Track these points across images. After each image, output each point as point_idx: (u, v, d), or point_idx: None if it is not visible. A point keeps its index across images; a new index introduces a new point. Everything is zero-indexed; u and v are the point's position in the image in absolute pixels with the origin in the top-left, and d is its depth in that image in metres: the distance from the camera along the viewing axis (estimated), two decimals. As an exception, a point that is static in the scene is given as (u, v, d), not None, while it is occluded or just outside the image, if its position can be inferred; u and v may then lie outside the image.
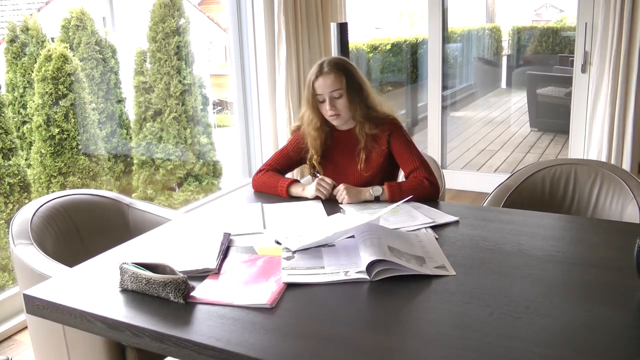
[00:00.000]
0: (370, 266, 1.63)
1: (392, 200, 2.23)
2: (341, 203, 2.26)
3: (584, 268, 1.71)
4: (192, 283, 1.58)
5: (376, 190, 2.26)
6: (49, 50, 4.34)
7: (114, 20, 5.75)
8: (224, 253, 1.83)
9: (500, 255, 1.79)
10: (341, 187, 2.28)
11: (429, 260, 1.72)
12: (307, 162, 2.49)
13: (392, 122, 2.40)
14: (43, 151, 4.38)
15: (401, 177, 2.59)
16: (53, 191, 4.25)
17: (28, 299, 1.61)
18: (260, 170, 2.52)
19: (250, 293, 1.56)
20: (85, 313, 1.51)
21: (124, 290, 1.60)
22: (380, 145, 2.38)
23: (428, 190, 2.29)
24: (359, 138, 2.38)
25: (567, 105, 4.65)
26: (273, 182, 2.43)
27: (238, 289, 1.59)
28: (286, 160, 2.54)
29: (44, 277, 1.85)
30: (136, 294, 1.57)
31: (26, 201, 3.99)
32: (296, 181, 2.42)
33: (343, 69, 2.33)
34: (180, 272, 1.61)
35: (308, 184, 2.38)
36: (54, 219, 2.31)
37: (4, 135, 3.86)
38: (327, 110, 2.34)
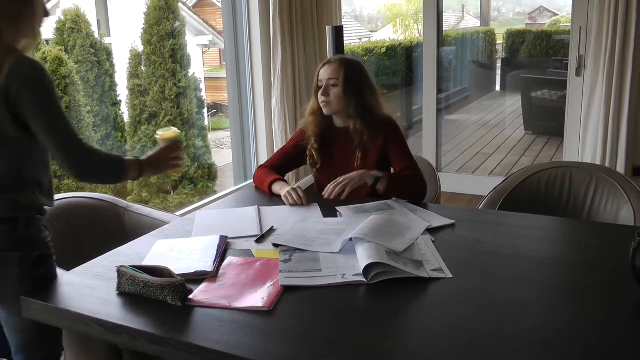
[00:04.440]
0: (368, 269, 1.63)
1: (390, 185, 2.28)
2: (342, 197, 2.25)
3: (580, 270, 1.72)
4: (189, 286, 1.58)
5: (376, 172, 2.29)
6: (44, 53, 4.33)
7: (109, 23, 5.75)
8: (221, 256, 1.83)
9: (497, 258, 1.80)
10: (342, 183, 2.25)
11: (426, 263, 1.73)
12: (307, 152, 2.52)
13: (390, 122, 2.44)
14: (38, 154, 4.36)
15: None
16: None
17: (25, 301, 1.61)
18: (261, 166, 2.60)
19: (248, 296, 1.56)
20: (83, 316, 1.51)
21: (122, 294, 1.60)
22: (376, 143, 2.41)
23: (419, 185, 2.36)
24: (354, 136, 2.41)
25: (561, 109, 4.67)
26: (263, 178, 2.49)
27: (236, 292, 1.59)
28: (286, 158, 2.60)
29: (41, 280, 1.84)
30: (134, 297, 1.57)
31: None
32: (281, 180, 2.46)
33: (346, 63, 2.41)
34: (177, 275, 1.61)
35: (291, 185, 2.41)
36: (51, 222, 2.30)
37: None
38: (320, 95, 2.39)
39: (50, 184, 1.72)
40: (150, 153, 1.87)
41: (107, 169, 1.75)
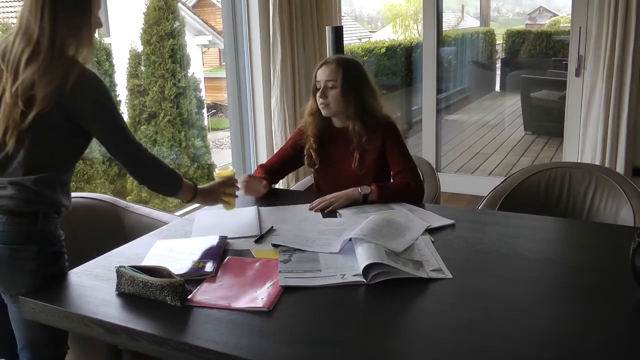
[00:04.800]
0: (367, 269, 1.63)
1: (380, 199, 2.26)
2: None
3: (579, 271, 1.72)
4: (189, 286, 1.58)
5: (364, 189, 2.27)
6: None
7: (109, 23, 5.75)
8: (221, 256, 1.82)
9: (496, 258, 1.80)
10: (329, 199, 2.27)
11: (426, 263, 1.73)
12: (305, 152, 2.51)
13: (389, 123, 2.43)
14: (37, 154, 4.36)
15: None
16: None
17: (25, 302, 1.61)
18: (260, 165, 2.59)
19: (248, 296, 1.56)
20: (82, 317, 1.51)
21: (121, 294, 1.60)
22: (374, 144, 2.40)
23: (413, 191, 2.34)
24: (353, 137, 2.40)
25: (561, 109, 4.68)
26: None
27: (235, 292, 1.59)
28: (285, 158, 2.58)
29: (40, 280, 1.84)
30: (133, 298, 1.57)
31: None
32: (263, 178, 2.45)
33: (345, 63, 2.38)
34: (177, 275, 1.61)
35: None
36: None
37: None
38: (318, 97, 2.38)
39: (69, 187, 1.79)
40: (207, 184, 2.12)
41: (165, 180, 1.91)
